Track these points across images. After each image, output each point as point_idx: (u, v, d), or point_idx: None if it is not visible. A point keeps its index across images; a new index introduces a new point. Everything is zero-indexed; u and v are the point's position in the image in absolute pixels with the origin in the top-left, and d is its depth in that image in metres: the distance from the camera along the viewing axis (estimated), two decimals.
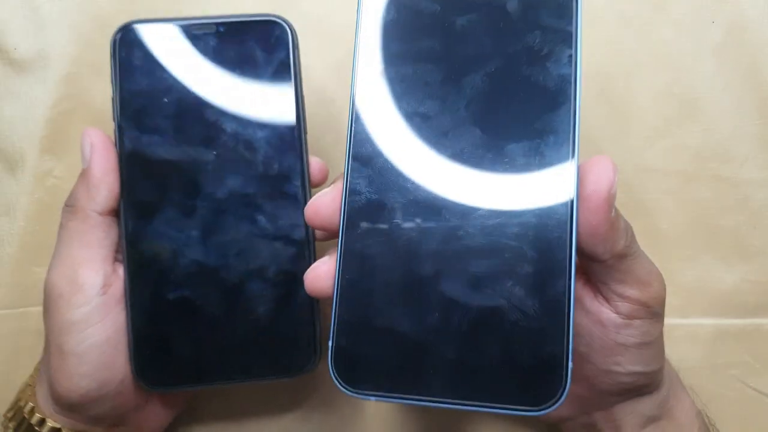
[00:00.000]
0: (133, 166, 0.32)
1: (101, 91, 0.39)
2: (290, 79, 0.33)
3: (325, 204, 0.28)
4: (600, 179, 0.26)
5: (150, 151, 0.32)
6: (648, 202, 0.38)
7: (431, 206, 0.27)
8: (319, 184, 0.34)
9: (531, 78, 0.27)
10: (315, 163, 0.33)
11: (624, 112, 0.38)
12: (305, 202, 0.32)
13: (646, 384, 0.31)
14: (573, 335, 0.25)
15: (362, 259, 0.27)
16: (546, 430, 0.38)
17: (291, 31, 0.33)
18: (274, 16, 0.33)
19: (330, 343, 0.27)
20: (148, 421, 0.35)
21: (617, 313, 0.29)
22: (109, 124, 0.40)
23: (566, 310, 0.25)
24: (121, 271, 0.33)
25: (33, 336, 0.39)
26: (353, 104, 0.28)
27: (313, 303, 0.33)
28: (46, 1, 0.39)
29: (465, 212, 0.27)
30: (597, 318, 0.30)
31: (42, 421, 0.32)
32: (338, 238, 0.27)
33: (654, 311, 0.29)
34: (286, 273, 0.32)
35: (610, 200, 0.26)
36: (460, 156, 0.27)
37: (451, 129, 0.27)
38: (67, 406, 0.32)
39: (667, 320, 0.38)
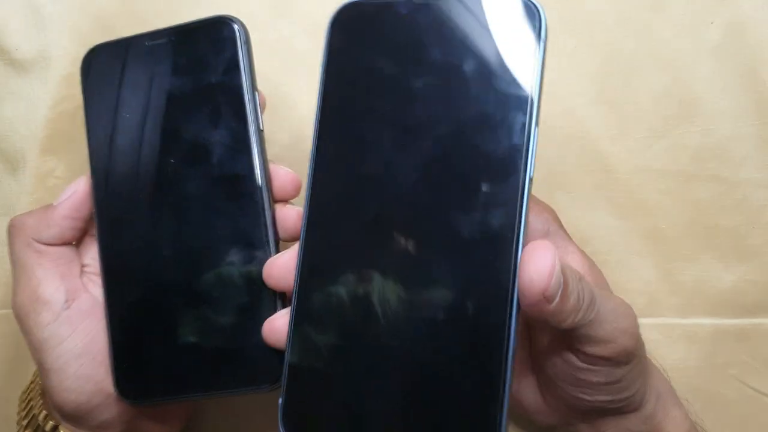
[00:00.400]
0: (103, 183, 0.33)
1: None
2: (240, 78, 0.32)
3: (278, 265, 0.29)
4: (536, 273, 0.24)
5: (115, 167, 0.33)
6: (647, 202, 0.38)
7: (380, 272, 0.27)
8: (293, 196, 0.32)
9: (481, 146, 0.26)
10: (286, 174, 0.32)
11: (623, 113, 0.38)
12: (265, 204, 0.31)
13: (622, 407, 0.31)
14: (506, 415, 0.25)
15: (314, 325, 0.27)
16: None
17: (239, 30, 0.32)
18: (224, 16, 0.32)
19: (280, 401, 0.28)
20: (160, 426, 0.35)
21: (578, 359, 0.28)
22: None
23: (502, 382, 0.25)
24: (90, 285, 0.33)
25: None
26: (312, 166, 0.28)
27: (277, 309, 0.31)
28: (47, 2, 0.39)
29: (411, 280, 0.26)
30: (559, 351, 0.29)
31: (55, 428, 0.32)
32: (292, 299, 0.28)
33: (620, 360, 0.28)
34: (252, 281, 0.31)
35: (548, 294, 0.24)
36: (409, 223, 0.27)
37: (403, 195, 0.27)
38: (67, 417, 0.32)
39: (667, 320, 0.39)
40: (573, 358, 0.28)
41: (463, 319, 0.26)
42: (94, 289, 0.33)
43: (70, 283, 0.32)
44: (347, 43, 0.28)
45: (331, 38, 0.28)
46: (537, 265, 0.24)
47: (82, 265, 0.34)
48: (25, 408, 0.35)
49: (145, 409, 0.33)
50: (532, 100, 0.25)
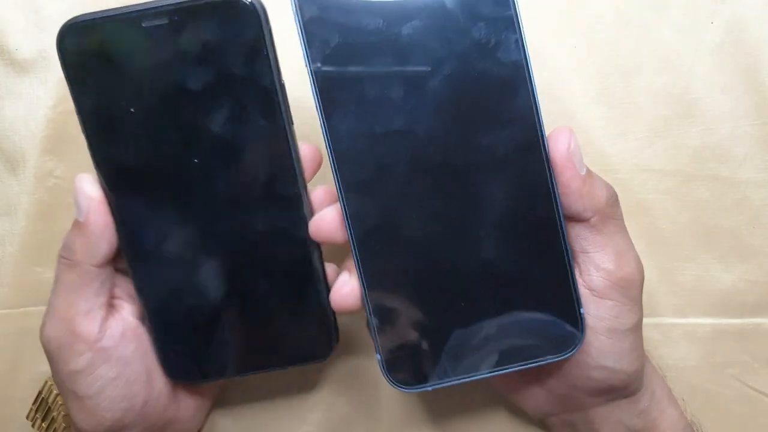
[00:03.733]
0: (115, 181, 0.31)
1: None
2: (268, 63, 0.28)
3: (326, 222, 0.30)
4: (557, 142, 0.29)
5: (129, 165, 0.30)
6: (647, 202, 0.38)
7: (431, 211, 0.29)
8: (314, 171, 0.32)
9: (485, 71, 0.28)
10: (307, 150, 0.31)
11: (623, 112, 0.38)
12: (301, 194, 0.31)
13: (619, 386, 0.31)
14: (578, 287, 0.29)
15: (385, 277, 0.30)
16: (539, 427, 0.38)
17: (259, 7, 0.28)
18: None
19: (378, 357, 0.30)
20: (186, 428, 0.36)
21: (589, 288, 0.30)
22: None
23: (567, 265, 0.29)
24: (114, 309, 0.32)
25: (34, 336, 0.39)
26: (330, 145, 0.28)
27: (322, 296, 0.32)
28: (47, 2, 0.39)
29: (458, 203, 0.29)
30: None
31: None
32: (352, 255, 0.29)
33: (627, 294, 0.30)
34: (294, 268, 0.32)
35: (570, 156, 0.29)
36: (443, 160, 0.29)
37: (427, 137, 0.29)
38: None
39: (666, 319, 0.39)
40: (585, 292, 0.30)
41: (519, 223, 0.29)
42: (120, 312, 0.33)
43: (103, 313, 0.32)
44: (319, 13, 0.28)
45: (302, 14, 0.28)
46: (556, 133, 0.29)
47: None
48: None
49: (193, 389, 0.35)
50: (516, 17, 0.28)
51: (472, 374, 0.30)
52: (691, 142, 0.38)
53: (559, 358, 0.30)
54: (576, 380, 0.31)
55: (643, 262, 0.31)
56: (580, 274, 0.30)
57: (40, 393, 0.36)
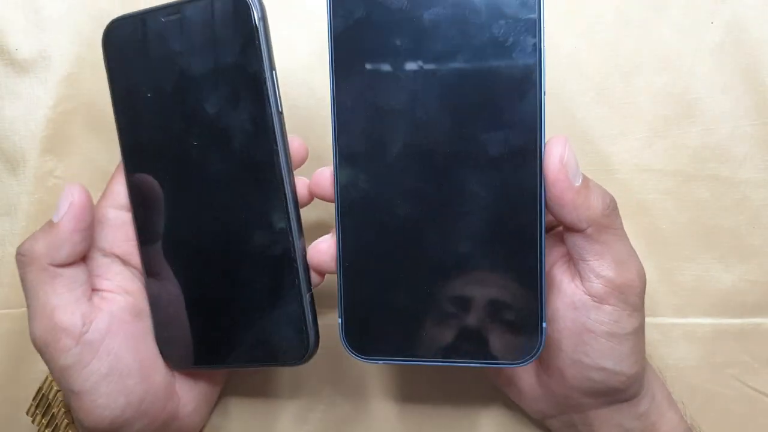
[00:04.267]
0: (134, 163, 0.33)
1: (102, 92, 0.39)
2: (262, 54, 0.30)
3: (320, 251, 0.31)
4: (550, 153, 0.28)
5: (144, 147, 0.33)
6: (647, 202, 0.38)
7: (416, 193, 0.30)
8: (301, 163, 0.33)
9: (498, 68, 0.29)
10: (294, 141, 0.32)
11: (623, 113, 0.38)
12: (286, 184, 0.31)
13: (618, 388, 0.31)
14: (545, 300, 0.29)
15: (360, 244, 0.30)
16: (539, 427, 0.38)
17: (255, 4, 0.30)
18: None
19: (339, 320, 0.30)
20: (188, 424, 0.36)
21: (589, 294, 0.30)
22: (110, 125, 0.40)
23: (538, 277, 0.29)
24: (103, 303, 0.33)
25: None
26: (334, 111, 0.30)
27: (302, 291, 0.32)
28: (47, 2, 0.39)
29: (446, 197, 0.30)
30: (570, 300, 0.31)
31: None
32: (335, 225, 0.30)
33: (627, 300, 0.30)
34: (272, 259, 0.32)
35: (563, 168, 0.28)
36: (439, 147, 0.29)
37: (427, 123, 0.29)
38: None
39: (666, 319, 0.39)
40: (585, 297, 0.30)
41: (500, 224, 0.29)
42: (108, 305, 0.33)
43: (84, 306, 0.32)
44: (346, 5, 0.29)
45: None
46: (551, 144, 0.29)
47: (93, 286, 0.33)
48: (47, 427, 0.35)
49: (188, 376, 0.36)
50: (539, 22, 0.28)
51: (425, 359, 0.30)
52: (691, 142, 0.38)
53: (511, 365, 0.30)
54: (575, 381, 0.31)
55: (643, 263, 0.31)
56: (581, 280, 0.30)
57: (40, 389, 0.36)
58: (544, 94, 0.28)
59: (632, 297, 0.30)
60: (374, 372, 0.39)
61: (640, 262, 0.31)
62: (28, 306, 0.31)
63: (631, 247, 0.31)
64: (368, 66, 0.29)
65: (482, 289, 0.30)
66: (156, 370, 0.34)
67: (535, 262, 0.29)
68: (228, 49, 0.31)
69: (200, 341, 0.34)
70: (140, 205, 0.33)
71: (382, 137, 0.30)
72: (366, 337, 0.31)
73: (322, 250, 0.31)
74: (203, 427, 0.38)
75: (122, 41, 0.32)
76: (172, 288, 0.33)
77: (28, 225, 0.40)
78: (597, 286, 0.30)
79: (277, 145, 0.31)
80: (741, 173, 0.38)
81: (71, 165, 0.40)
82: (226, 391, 0.39)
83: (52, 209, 0.39)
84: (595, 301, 0.30)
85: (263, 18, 0.31)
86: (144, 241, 0.34)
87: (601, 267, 0.30)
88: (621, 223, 0.31)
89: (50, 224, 0.31)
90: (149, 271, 0.34)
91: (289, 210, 0.31)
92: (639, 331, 0.31)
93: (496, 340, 0.30)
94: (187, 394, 0.35)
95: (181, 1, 0.31)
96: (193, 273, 0.33)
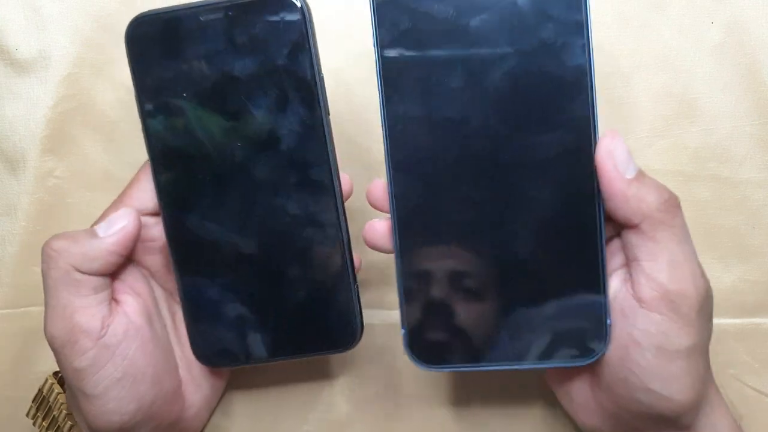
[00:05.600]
0: (165, 165, 0.32)
1: (102, 92, 0.39)
2: (308, 61, 0.31)
3: (375, 230, 0.31)
4: (600, 145, 0.29)
5: (178, 149, 0.32)
6: None
7: (473, 200, 0.30)
8: (347, 198, 0.33)
9: (548, 71, 0.29)
10: (342, 177, 0.33)
11: (623, 112, 0.38)
12: (332, 185, 0.32)
13: (668, 415, 0.29)
14: (608, 296, 0.29)
15: (420, 255, 0.31)
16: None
17: (303, 6, 0.31)
18: None
19: (403, 331, 0.31)
20: (190, 425, 0.36)
21: (637, 299, 0.28)
22: (110, 125, 0.40)
23: (600, 272, 0.29)
24: (116, 305, 0.32)
25: (34, 335, 0.39)
26: (384, 113, 0.30)
27: (351, 282, 0.33)
28: (47, 2, 0.39)
29: (504, 201, 0.30)
30: (620, 306, 0.29)
31: None
32: (393, 237, 0.31)
33: (678, 311, 0.28)
34: (321, 254, 0.33)
35: (610, 160, 0.28)
36: (494, 152, 0.30)
37: (480, 129, 0.29)
38: None
39: None
40: (633, 302, 0.29)
41: (559, 224, 0.30)
42: (123, 308, 0.32)
43: (104, 309, 0.31)
44: (395, 10, 0.29)
45: (379, 13, 0.30)
46: (603, 138, 0.29)
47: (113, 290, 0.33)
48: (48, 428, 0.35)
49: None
50: (586, 23, 0.29)
51: (490, 364, 0.31)
52: (691, 142, 0.38)
53: (575, 364, 0.30)
54: (622, 400, 0.30)
55: None
56: (631, 284, 0.29)
57: (40, 390, 0.36)
58: (595, 92, 0.29)
59: (684, 307, 0.28)
60: (374, 372, 0.39)
61: (701, 271, 0.29)
62: (47, 303, 0.31)
63: (694, 252, 0.29)
64: (417, 77, 0.29)
65: (544, 290, 0.30)
66: (167, 374, 0.33)
67: (596, 258, 0.29)
68: (277, 52, 0.31)
69: (246, 338, 0.34)
70: (174, 204, 0.33)
71: (436, 146, 0.30)
72: (430, 346, 0.31)
73: (378, 229, 0.31)
74: (204, 427, 0.38)
75: (150, 38, 0.31)
76: (215, 286, 0.33)
77: (28, 225, 0.40)
78: (647, 289, 0.28)
79: (327, 145, 0.32)
80: (741, 173, 0.38)
81: (71, 165, 0.40)
82: (227, 391, 0.39)
83: (52, 209, 0.39)
84: (643, 307, 0.28)
85: (311, 22, 0.31)
86: (178, 239, 0.33)
87: (652, 269, 0.28)
88: (683, 223, 0.29)
89: (93, 234, 0.31)
90: (185, 269, 0.33)
91: (338, 205, 0.32)
92: (694, 351, 0.28)
93: (563, 341, 0.30)
94: (192, 396, 0.35)
95: (225, 1, 0.31)
96: (239, 269, 0.33)
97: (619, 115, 0.38)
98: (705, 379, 0.30)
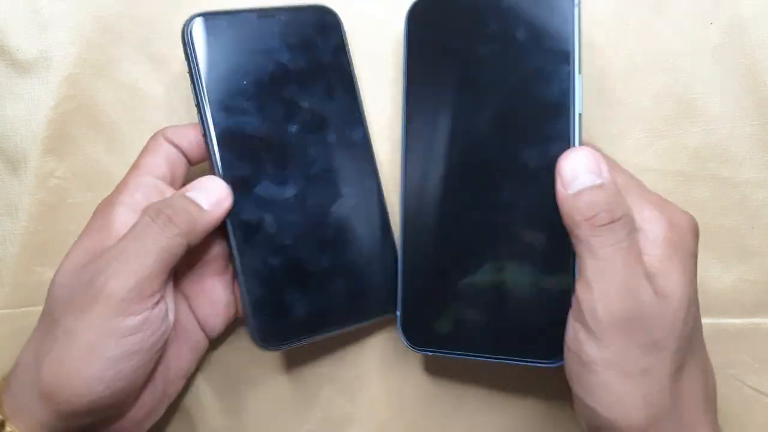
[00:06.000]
0: (226, 144, 0.34)
1: (103, 92, 0.40)
2: (346, 59, 0.37)
3: None
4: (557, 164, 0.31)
5: (240, 130, 0.35)
6: None
7: (465, 199, 0.34)
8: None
9: (537, 93, 0.33)
10: None
11: (623, 113, 0.38)
12: (372, 169, 0.37)
13: None
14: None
15: (420, 247, 0.35)
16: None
17: (339, 19, 0.37)
18: (322, 6, 0.37)
19: (398, 313, 0.35)
20: (126, 428, 0.34)
21: (579, 321, 0.29)
22: (111, 125, 0.40)
23: (569, 282, 0.31)
24: (166, 294, 0.32)
25: None
26: (405, 129, 0.36)
27: (395, 255, 0.37)
28: (48, 2, 0.39)
29: (493, 202, 0.34)
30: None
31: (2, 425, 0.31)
32: (400, 228, 0.35)
33: (586, 324, 0.28)
34: (368, 230, 0.37)
35: (560, 178, 0.30)
36: (487, 163, 0.34)
37: (477, 138, 0.34)
38: (64, 410, 0.30)
39: None
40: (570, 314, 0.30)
41: (542, 226, 0.33)
42: (168, 299, 0.33)
43: (167, 283, 0.32)
44: (423, 32, 0.36)
45: (410, 29, 0.36)
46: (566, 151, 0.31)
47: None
48: None
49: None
50: (573, 53, 0.32)
51: (475, 354, 0.34)
52: (691, 142, 0.38)
53: (545, 365, 0.32)
54: (582, 419, 0.30)
55: None
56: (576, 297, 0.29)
57: None
58: (579, 114, 0.32)
59: (592, 322, 0.28)
60: (374, 372, 0.39)
61: (644, 292, 0.28)
62: (123, 254, 0.31)
63: (637, 273, 0.28)
64: (429, 96, 0.35)
65: (525, 289, 0.33)
66: (143, 381, 0.32)
67: (566, 267, 0.32)
68: (323, 51, 0.37)
69: (299, 313, 0.35)
70: (238, 183, 0.34)
71: (442, 155, 0.35)
72: (421, 330, 0.35)
73: None
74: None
75: (212, 35, 0.35)
76: (269, 264, 0.35)
77: (30, 225, 0.40)
78: (573, 301, 0.29)
79: (366, 131, 0.37)
80: (741, 173, 0.38)
81: (72, 165, 0.40)
82: (227, 391, 0.39)
83: (54, 209, 0.39)
84: (570, 317, 0.29)
85: (344, 30, 0.37)
86: (240, 221, 0.34)
87: (582, 289, 0.28)
88: (628, 243, 0.28)
89: (197, 207, 0.32)
90: (244, 252, 0.34)
91: (380, 185, 0.37)
92: (620, 370, 0.28)
93: (534, 341, 0.32)
94: (148, 402, 0.34)
95: (277, 7, 0.36)
96: (294, 245, 0.35)
97: (619, 115, 0.38)
98: (662, 404, 0.28)
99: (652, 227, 0.30)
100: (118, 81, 0.40)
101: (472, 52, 0.34)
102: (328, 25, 0.37)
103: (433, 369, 0.39)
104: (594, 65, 0.38)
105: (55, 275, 0.32)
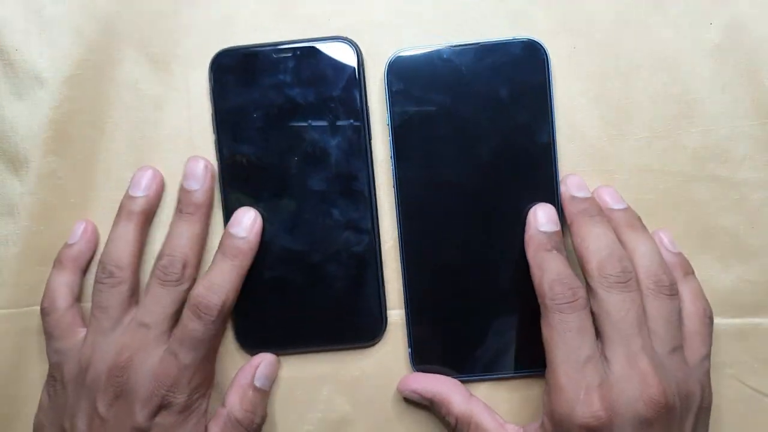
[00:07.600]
0: (232, 169, 0.38)
1: (104, 92, 0.40)
2: (358, 92, 0.38)
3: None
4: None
5: (244, 157, 0.38)
6: (646, 202, 0.39)
7: (461, 239, 0.38)
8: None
9: (520, 146, 0.37)
10: None
11: (622, 113, 0.38)
12: (371, 197, 0.38)
13: None
14: None
15: (423, 287, 0.38)
16: None
17: (357, 50, 0.38)
18: (342, 38, 0.38)
19: (409, 350, 0.39)
20: None
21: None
22: (112, 125, 0.40)
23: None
24: None
25: (36, 335, 0.40)
26: (396, 183, 0.38)
27: (380, 282, 0.39)
28: (48, 3, 0.39)
29: (485, 240, 0.38)
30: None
31: None
32: (401, 269, 0.38)
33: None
34: (357, 256, 0.38)
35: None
36: (479, 207, 0.38)
37: (466, 185, 0.38)
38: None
39: None
40: None
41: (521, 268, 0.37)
42: None
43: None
44: (404, 87, 0.38)
45: (390, 84, 0.38)
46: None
47: None
48: None
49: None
50: (550, 112, 0.37)
51: (474, 375, 0.38)
52: (690, 142, 0.38)
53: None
54: None
55: None
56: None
57: None
58: (559, 162, 0.37)
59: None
60: (375, 372, 0.39)
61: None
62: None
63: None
64: (418, 146, 0.38)
65: (516, 316, 0.38)
66: None
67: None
68: (334, 84, 0.38)
69: (285, 328, 0.39)
70: (236, 202, 0.38)
71: (437, 199, 0.38)
72: (429, 361, 0.39)
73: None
74: None
75: (229, 68, 0.38)
76: (263, 281, 0.38)
77: (31, 225, 0.40)
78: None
79: (367, 164, 0.38)
80: (740, 173, 0.38)
81: (74, 165, 0.40)
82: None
83: (55, 209, 0.40)
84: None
85: (362, 63, 0.38)
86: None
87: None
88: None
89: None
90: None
91: (374, 215, 0.38)
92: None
93: (526, 355, 0.38)
94: None
95: (292, 43, 0.38)
96: (284, 267, 0.38)
97: (617, 115, 0.38)
98: None
99: None
100: (119, 81, 0.40)
101: (451, 107, 0.37)
102: (342, 61, 0.38)
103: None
104: (593, 65, 0.38)
105: None
